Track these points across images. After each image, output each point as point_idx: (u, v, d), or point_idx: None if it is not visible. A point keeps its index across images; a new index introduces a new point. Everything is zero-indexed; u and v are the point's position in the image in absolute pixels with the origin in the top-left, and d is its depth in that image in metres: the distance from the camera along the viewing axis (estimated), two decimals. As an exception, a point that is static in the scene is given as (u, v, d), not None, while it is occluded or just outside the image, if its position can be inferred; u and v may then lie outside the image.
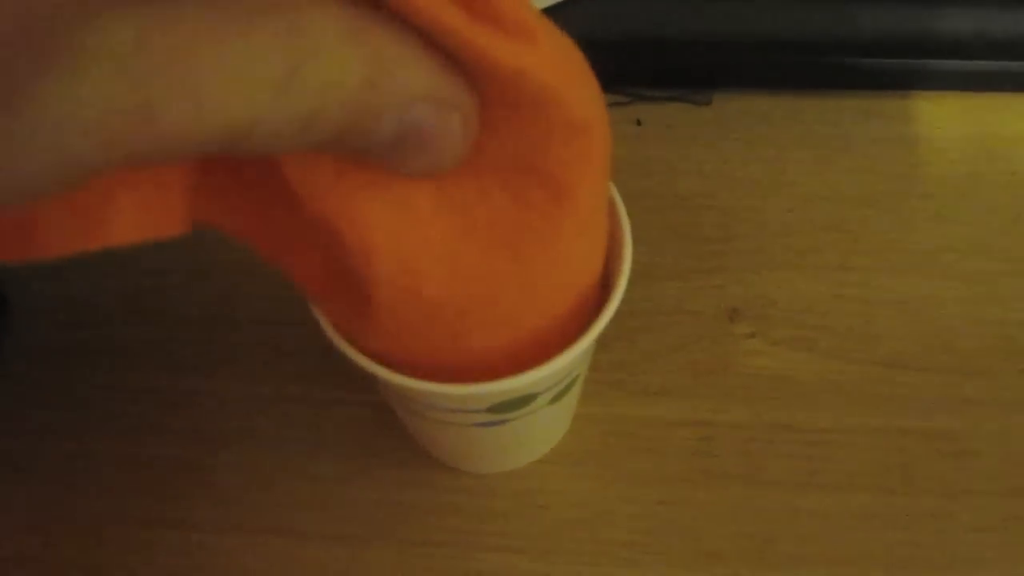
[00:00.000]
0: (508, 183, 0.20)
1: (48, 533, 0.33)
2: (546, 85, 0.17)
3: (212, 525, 0.33)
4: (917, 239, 0.38)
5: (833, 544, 0.31)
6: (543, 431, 0.32)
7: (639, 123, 0.43)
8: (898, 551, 0.31)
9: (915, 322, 0.36)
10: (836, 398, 0.34)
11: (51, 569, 0.33)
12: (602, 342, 0.34)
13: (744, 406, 0.34)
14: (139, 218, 0.17)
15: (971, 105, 0.42)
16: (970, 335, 0.36)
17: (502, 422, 0.28)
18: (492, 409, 0.26)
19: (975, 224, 0.38)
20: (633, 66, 0.42)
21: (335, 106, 0.15)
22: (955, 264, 0.37)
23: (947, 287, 0.37)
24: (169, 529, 0.33)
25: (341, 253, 0.20)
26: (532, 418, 0.28)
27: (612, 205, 0.25)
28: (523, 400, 0.26)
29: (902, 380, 0.35)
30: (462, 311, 0.22)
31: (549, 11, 0.42)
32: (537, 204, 0.20)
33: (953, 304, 0.36)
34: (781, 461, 0.33)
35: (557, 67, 0.18)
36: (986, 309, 0.36)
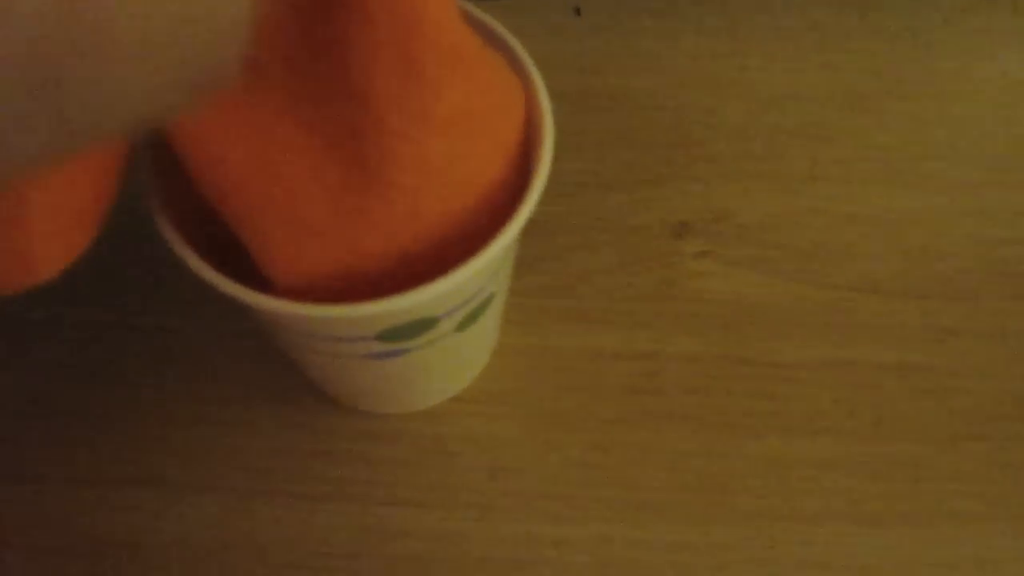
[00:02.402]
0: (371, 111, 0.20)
1: None
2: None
3: (63, 475, 0.30)
4: (895, 145, 0.36)
5: (794, 496, 0.29)
6: (453, 364, 0.29)
7: (578, 12, 0.39)
8: (869, 504, 0.29)
9: (891, 240, 0.34)
10: (800, 327, 0.32)
11: None
12: (528, 261, 0.32)
13: (694, 336, 0.32)
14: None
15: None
16: (952, 255, 0.33)
17: (400, 352, 0.25)
18: (383, 337, 0.23)
19: (961, 129, 0.36)
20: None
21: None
22: (938, 174, 0.35)
23: (927, 200, 0.34)
24: (14, 483, 0.29)
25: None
26: (436, 348, 0.25)
27: (531, 88, 0.23)
28: (421, 325, 0.23)
29: (875, 307, 0.32)
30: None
31: None
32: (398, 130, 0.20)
33: (934, 219, 0.34)
34: (735, 400, 0.31)
35: None
36: (971, 225, 0.34)
